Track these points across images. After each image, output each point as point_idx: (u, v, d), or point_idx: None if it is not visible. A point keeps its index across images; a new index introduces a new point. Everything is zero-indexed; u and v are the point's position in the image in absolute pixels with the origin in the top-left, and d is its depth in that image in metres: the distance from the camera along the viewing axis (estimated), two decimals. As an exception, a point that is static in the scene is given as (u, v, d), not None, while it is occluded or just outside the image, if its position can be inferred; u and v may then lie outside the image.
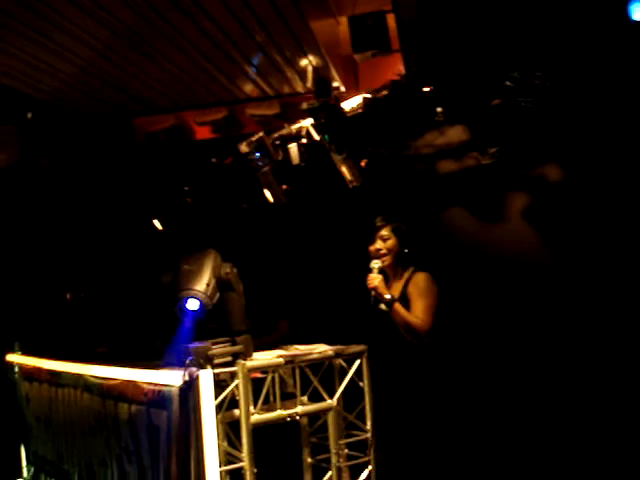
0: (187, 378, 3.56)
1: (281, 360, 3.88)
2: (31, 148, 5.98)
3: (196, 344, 3.77)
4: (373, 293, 3.94)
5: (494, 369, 4.54)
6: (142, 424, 3.91)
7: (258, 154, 5.34)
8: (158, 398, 3.77)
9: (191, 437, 3.52)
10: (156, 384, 3.81)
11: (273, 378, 3.93)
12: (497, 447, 4.38)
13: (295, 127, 5.29)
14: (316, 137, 5.12)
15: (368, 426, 4.09)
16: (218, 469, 3.50)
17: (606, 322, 4.24)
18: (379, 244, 4.02)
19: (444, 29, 4.20)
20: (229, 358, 3.79)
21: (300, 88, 5.57)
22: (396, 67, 4.83)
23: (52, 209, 6.10)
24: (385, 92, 4.71)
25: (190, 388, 3.54)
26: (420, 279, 3.94)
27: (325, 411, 4.04)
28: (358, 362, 4.09)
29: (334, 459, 4.04)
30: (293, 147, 5.24)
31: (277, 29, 4.45)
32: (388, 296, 3.86)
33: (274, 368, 3.90)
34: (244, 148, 5.44)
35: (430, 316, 3.84)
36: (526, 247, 4.63)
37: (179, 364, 3.86)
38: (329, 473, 4.10)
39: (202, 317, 4.27)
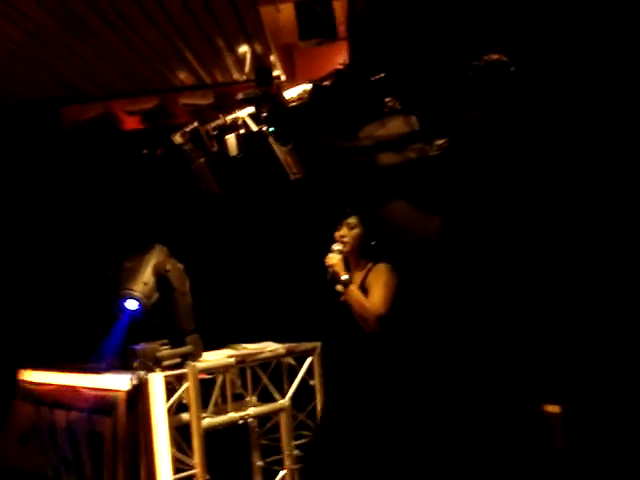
0: (135, 382, 3.37)
1: (232, 360, 3.72)
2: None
3: (143, 345, 3.57)
4: (330, 271, 3.82)
5: (444, 360, 4.50)
6: (82, 432, 3.68)
7: (192, 145, 5.13)
8: (101, 404, 3.55)
9: (140, 444, 3.34)
10: (99, 389, 3.60)
11: (223, 379, 3.76)
12: (451, 441, 4.34)
13: (230, 117, 5.09)
14: (254, 128, 4.94)
15: (319, 425, 3.97)
16: (171, 477, 3.32)
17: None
18: (344, 231, 3.90)
19: (395, 16, 4.09)
20: (177, 360, 3.60)
21: (237, 76, 5.34)
22: (335, 57, 4.69)
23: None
24: (328, 82, 4.59)
25: (139, 393, 3.35)
26: (380, 269, 3.84)
27: (277, 412, 3.91)
28: (309, 360, 3.97)
29: (288, 461, 3.91)
30: (231, 138, 5.04)
31: (223, 11, 4.23)
32: (345, 277, 3.74)
33: (225, 369, 3.74)
34: (178, 139, 5.21)
35: (385, 303, 3.73)
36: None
37: (120, 366, 3.66)
38: (280, 474, 3.96)
39: (141, 317, 4.05)
